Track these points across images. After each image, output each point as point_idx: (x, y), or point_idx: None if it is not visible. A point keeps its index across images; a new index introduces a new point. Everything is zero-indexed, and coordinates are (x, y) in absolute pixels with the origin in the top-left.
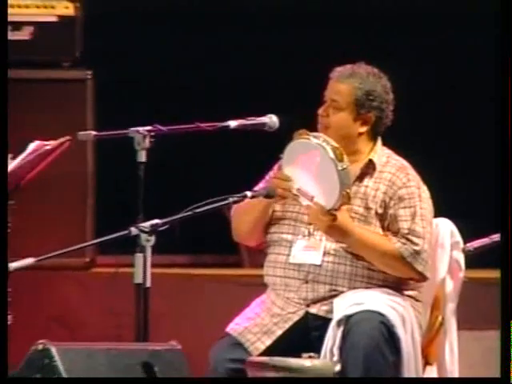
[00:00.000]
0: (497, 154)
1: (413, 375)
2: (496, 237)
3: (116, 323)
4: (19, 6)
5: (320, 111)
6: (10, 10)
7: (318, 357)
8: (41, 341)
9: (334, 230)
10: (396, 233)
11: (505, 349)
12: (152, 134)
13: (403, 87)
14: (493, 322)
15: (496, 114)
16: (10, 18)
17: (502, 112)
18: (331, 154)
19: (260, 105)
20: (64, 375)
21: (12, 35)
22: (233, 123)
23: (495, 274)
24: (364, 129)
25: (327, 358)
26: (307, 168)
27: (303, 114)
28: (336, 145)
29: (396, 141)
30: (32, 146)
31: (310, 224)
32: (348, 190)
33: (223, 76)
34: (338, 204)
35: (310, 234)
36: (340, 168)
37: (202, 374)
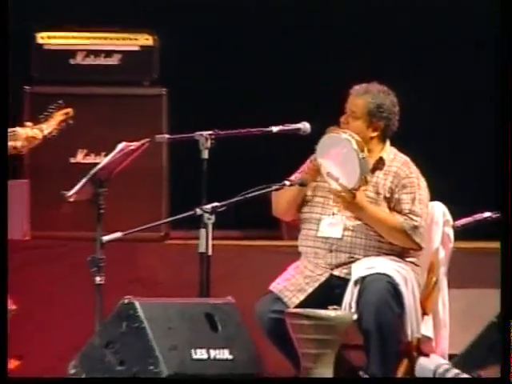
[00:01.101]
0: (491, 152)
1: (414, 323)
2: (478, 216)
3: (185, 283)
4: (111, 38)
5: (342, 119)
6: (103, 41)
7: (340, 309)
8: (127, 297)
9: (353, 205)
10: (399, 212)
11: (505, 349)
12: (212, 136)
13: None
14: (475, 282)
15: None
16: (103, 48)
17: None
18: (355, 146)
19: (295, 112)
20: (145, 323)
21: (105, 61)
22: (275, 128)
23: (478, 244)
24: (375, 134)
25: (347, 309)
26: (335, 156)
27: (330, 121)
28: (359, 139)
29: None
30: (120, 146)
31: (334, 206)
32: (366, 176)
33: (264, 88)
34: (358, 185)
35: (333, 214)
36: (361, 157)
37: (251, 322)
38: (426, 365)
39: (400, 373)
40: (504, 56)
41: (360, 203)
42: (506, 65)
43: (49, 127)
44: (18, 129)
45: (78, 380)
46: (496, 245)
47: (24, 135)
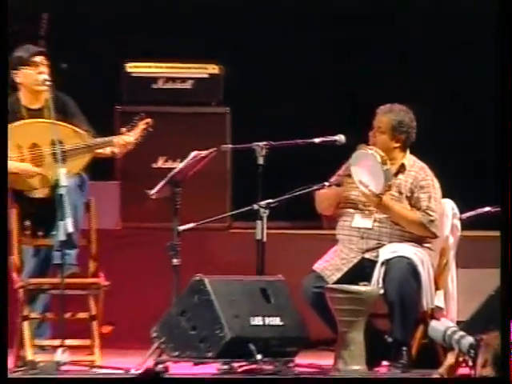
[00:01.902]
0: (496, 156)
1: (428, 296)
2: (479, 210)
3: (244, 264)
4: (185, 68)
5: (370, 133)
6: (179, 70)
7: (369, 285)
8: (198, 275)
9: (381, 206)
10: (418, 208)
11: (505, 349)
12: (266, 146)
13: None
14: (477, 263)
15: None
16: (179, 75)
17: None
18: (379, 160)
19: (333, 126)
20: (212, 296)
21: (180, 85)
22: (317, 140)
23: (479, 233)
24: (397, 145)
25: (375, 285)
26: (365, 167)
27: (361, 134)
28: (383, 154)
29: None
30: (192, 154)
31: (365, 203)
32: (389, 183)
33: (307, 106)
34: (383, 191)
35: (365, 210)
36: (384, 169)
37: (297, 296)
38: (437, 327)
39: (417, 336)
40: (504, 56)
41: (386, 204)
42: (506, 65)
43: (135, 134)
44: (113, 138)
45: (78, 380)
46: (494, 233)
47: (119, 143)
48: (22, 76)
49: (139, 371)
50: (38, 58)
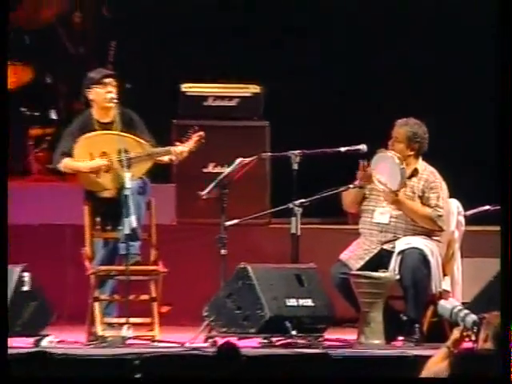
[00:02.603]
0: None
1: (437, 281)
2: (481, 209)
3: (281, 254)
4: (231, 88)
5: (389, 142)
6: (226, 90)
7: (387, 271)
8: (242, 263)
9: (396, 202)
10: (428, 206)
11: (505, 348)
12: (300, 154)
13: None
14: (479, 253)
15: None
16: (226, 94)
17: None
18: (397, 161)
19: (357, 136)
20: (254, 281)
21: (227, 103)
22: (343, 149)
23: (481, 227)
24: (412, 152)
25: (392, 272)
26: (384, 168)
27: (382, 143)
28: (400, 156)
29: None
30: (237, 161)
31: (384, 201)
32: (404, 181)
33: (334, 119)
34: (399, 188)
35: (383, 207)
36: (401, 168)
37: (326, 281)
38: (446, 306)
39: (427, 315)
40: (504, 57)
41: (401, 200)
42: (506, 65)
43: (189, 145)
44: (170, 148)
45: (79, 380)
46: (493, 228)
47: (175, 152)
48: (93, 94)
49: (215, 345)
50: (108, 80)
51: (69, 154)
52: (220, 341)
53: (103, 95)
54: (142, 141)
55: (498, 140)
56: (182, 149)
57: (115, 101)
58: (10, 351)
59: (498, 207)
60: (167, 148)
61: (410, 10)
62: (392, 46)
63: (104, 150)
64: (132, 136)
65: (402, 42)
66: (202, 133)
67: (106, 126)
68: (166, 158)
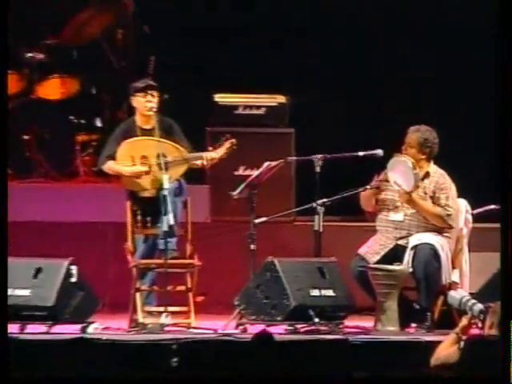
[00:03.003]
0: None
1: (447, 273)
2: (488, 208)
3: (305, 248)
4: (259, 98)
5: (403, 148)
6: (254, 99)
7: (401, 265)
8: (270, 257)
9: (410, 201)
10: (439, 205)
11: (505, 349)
12: (322, 158)
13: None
14: (485, 248)
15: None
16: (255, 103)
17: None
18: (410, 165)
19: (374, 142)
20: (281, 274)
21: (256, 111)
22: (361, 153)
23: (486, 225)
24: (423, 157)
25: (406, 265)
26: (398, 171)
27: (395, 148)
28: (413, 160)
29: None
30: (265, 164)
31: (398, 201)
32: (417, 183)
33: (354, 125)
34: (412, 189)
35: (398, 206)
36: (414, 172)
37: (346, 274)
38: (455, 296)
39: (438, 304)
40: (504, 57)
41: (414, 200)
42: (506, 65)
43: (221, 151)
44: (204, 153)
45: (79, 380)
46: (499, 225)
47: (208, 157)
48: (136, 102)
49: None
50: (148, 90)
51: (112, 157)
52: (249, 327)
53: (143, 103)
54: (178, 146)
55: (498, 141)
56: (214, 155)
57: (154, 109)
58: (58, 337)
59: None
60: (200, 154)
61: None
62: (404, 62)
63: (144, 154)
64: (170, 142)
65: (417, 54)
66: (233, 140)
67: (147, 132)
68: (199, 163)
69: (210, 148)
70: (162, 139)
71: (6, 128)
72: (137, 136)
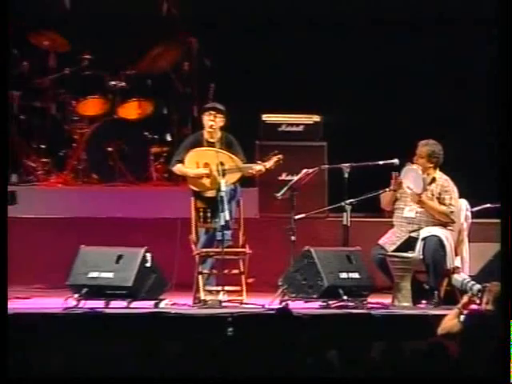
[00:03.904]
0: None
1: (451, 260)
2: (483, 206)
3: (336, 239)
4: (298, 117)
5: (414, 158)
6: (295, 118)
7: (414, 253)
8: (306, 246)
9: (420, 202)
10: (444, 205)
11: (505, 349)
12: (349, 166)
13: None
14: (482, 239)
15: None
16: (295, 122)
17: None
18: (420, 172)
19: (390, 152)
20: (316, 260)
21: (296, 128)
22: (381, 162)
23: (484, 220)
24: (431, 165)
25: (417, 254)
26: (410, 177)
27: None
28: (422, 168)
29: None
30: (303, 171)
31: (411, 201)
32: (426, 187)
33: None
34: (422, 191)
35: (410, 205)
36: (423, 177)
37: (368, 260)
38: (457, 278)
39: (443, 285)
40: (504, 57)
41: (424, 200)
42: (506, 65)
43: (269, 164)
44: (253, 165)
45: (78, 380)
46: (492, 220)
47: (255, 169)
48: (203, 120)
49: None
50: (212, 111)
51: (181, 162)
52: (290, 303)
53: (207, 121)
54: (234, 157)
55: (498, 148)
56: (261, 168)
57: (214, 127)
58: (136, 311)
59: (496, 205)
60: (251, 165)
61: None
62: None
63: (207, 161)
64: (228, 153)
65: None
66: (280, 156)
67: (211, 144)
68: (251, 171)
69: (260, 162)
70: (221, 150)
71: (6, 129)
72: (203, 146)
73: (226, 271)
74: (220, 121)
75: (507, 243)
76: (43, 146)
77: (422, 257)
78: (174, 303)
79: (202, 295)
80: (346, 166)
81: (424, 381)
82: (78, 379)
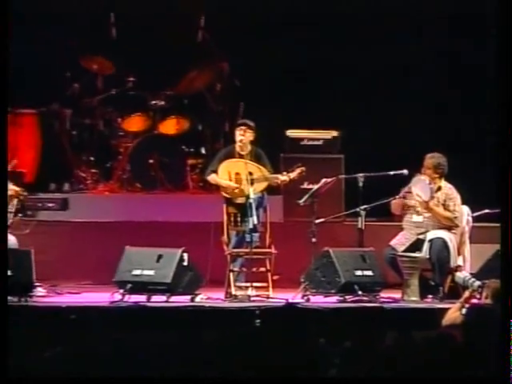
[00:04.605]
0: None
1: (454, 259)
2: (483, 212)
3: (351, 241)
4: (319, 133)
5: (422, 170)
6: (315, 134)
7: (421, 253)
8: (326, 248)
9: (428, 208)
10: (449, 211)
11: (505, 349)
12: (363, 176)
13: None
14: (482, 241)
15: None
16: (315, 137)
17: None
18: (427, 182)
19: (400, 163)
20: (334, 259)
21: (316, 142)
22: (392, 172)
23: (482, 224)
24: (437, 176)
25: (424, 254)
26: (419, 186)
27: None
28: (429, 178)
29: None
30: (323, 180)
31: (419, 207)
32: (432, 195)
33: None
34: (429, 199)
35: (418, 211)
36: (430, 187)
37: (381, 259)
38: (460, 275)
39: (448, 281)
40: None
41: (430, 207)
42: (506, 65)
43: (293, 175)
44: (279, 175)
45: (78, 380)
46: (491, 224)
47: (281, 179)
48: (235, 134)
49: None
50: (242, 127)
51: (215, 172)
52: (311, 298)
53: (238, 136)
54: (262, 168)
55: (497, 159)
56: (286, 178)
57: (244, 141)
58: (174, 304)
59: (495, 211)
60: (277, 175)
61: None
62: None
63: (237, 171)
64: (256, 164)
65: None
66: (303, 168)
67: (242, 156)
68: (276, 180)
69: (284, 173)
70: (251, 162)
71: (5, 130)
72: (235, 158)
73: (254, 269)
74: (250, 135)
75: (507, 243)
76: (92, 158)
77: (428, 256)
78: (208, 297)
79: (233, 290)
80: (360, 176)
81: (425, 380)
82: (79, 379)
